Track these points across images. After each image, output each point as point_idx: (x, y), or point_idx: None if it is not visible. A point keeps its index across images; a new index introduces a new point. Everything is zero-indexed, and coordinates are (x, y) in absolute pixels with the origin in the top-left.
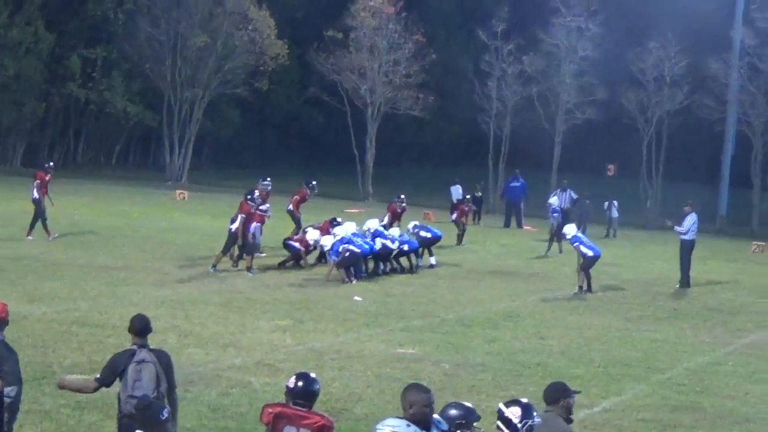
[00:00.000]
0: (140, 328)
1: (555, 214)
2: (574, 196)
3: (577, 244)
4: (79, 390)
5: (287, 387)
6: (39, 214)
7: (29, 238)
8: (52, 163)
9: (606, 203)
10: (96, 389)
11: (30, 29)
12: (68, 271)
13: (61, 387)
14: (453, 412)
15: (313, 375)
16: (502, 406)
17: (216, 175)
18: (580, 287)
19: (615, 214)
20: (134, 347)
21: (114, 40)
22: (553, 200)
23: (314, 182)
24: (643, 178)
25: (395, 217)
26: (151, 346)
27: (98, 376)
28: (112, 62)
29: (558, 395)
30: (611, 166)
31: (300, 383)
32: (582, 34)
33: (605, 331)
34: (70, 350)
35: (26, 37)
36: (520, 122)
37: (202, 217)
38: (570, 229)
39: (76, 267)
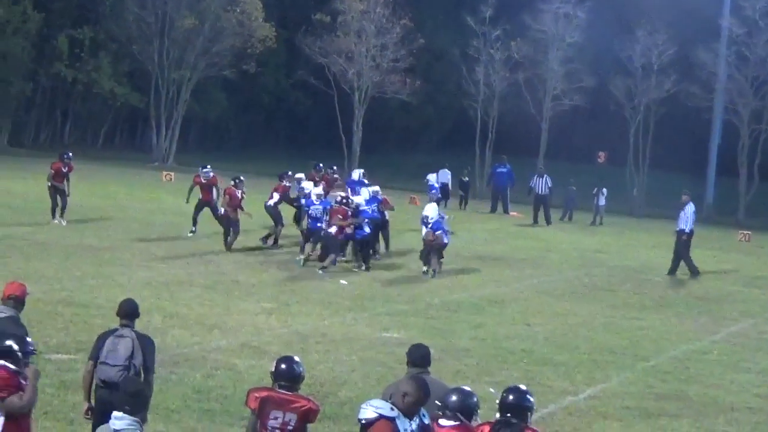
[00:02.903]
0: (126, 311)
1: (433, 192)
2: (550, 184)
3: (440, 232)
4: (89, 382)
5: (271, 371)
6: (54, 201)
7: (62, 222)
8: (71, 154)
9: (594, 190)
10: (93, 367)
11: (18, 9)
12: (54, 251)
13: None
14: (455, 398)
15: (296, 358)
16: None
17: (202, 156)
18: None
19: (602, 201)
20: (118, 327)
21: (102, 20)
22: (431, 177)
23: (290, 173)
24: (629, 165)
25: (329, 186)
26: (138, 330)
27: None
28: (99, 43)
29: (428, 359)
30: (602, 154)
31: (283, 366)
32: (570, 20)
33: (591, 318)
34: (55, 330)
35: (14, 17)
36: (507, 108)
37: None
38: (431, 211)
39: (63, 247)
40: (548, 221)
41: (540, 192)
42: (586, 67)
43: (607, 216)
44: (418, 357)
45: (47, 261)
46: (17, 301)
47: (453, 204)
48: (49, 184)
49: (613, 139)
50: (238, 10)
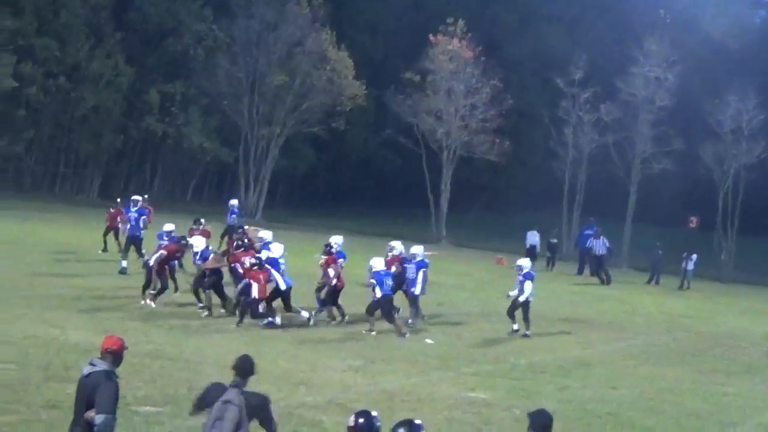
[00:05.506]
0: (242, 368)
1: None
2: (607, 244)
3: (528, 282)
4: None
5: (348, 426)
6: (163, 286)
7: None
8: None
9: (684, 254)
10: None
11: (110, 62)
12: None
13: None
14: None
15: (374, 413)
16: None
17: (289, 212)
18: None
19: (690, 266)
20: (228, 384)
21: (193, 75)
22: (233, 202)
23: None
24: (718, 230)
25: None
26: (248, 390)
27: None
28: (190, 97)
29: (550, 428)
30: (694, 218)
31: (361, 420)
32: (660, 84)
33: (677, 382)
34: (143, 382)
35: (106, 71)
36: (596, 170)
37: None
38: (525, 263)
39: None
40: (608, 280)
41: (598, 253)
42: (676, 130)
43: (694, 281)
44: (540, 424)
45: (135, 313)
46: (115, 356)
47: (540, 265)
48: (151, 265)
49: (702, 204)
50: (329, 68)
